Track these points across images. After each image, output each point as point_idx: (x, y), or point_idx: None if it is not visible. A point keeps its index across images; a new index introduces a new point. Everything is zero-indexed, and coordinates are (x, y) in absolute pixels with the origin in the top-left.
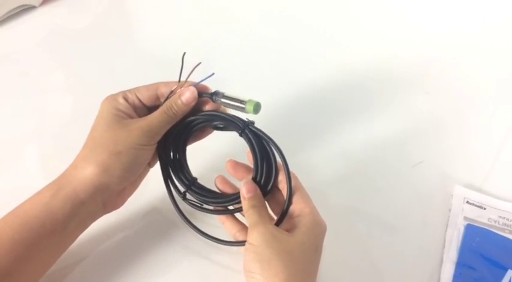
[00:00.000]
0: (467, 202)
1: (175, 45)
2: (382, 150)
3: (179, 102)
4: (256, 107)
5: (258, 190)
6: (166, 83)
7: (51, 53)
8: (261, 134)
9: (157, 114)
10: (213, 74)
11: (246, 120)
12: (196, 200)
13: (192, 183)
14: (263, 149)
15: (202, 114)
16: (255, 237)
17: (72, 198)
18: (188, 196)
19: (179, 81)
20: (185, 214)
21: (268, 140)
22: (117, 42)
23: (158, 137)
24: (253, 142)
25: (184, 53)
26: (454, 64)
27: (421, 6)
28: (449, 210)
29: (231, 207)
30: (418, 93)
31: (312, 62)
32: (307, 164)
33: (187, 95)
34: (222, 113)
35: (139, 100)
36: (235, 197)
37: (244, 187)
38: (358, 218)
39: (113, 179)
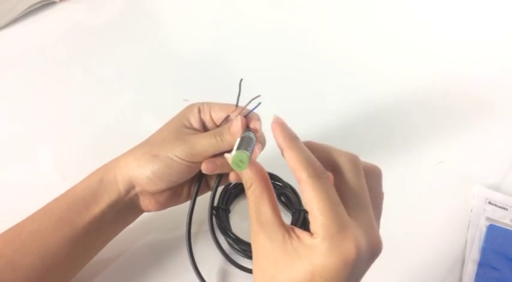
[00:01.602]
0: (489, 203)
1: (195, 43)
2: (402, 150)
3: (227, 131)
4: (236, 161)
5: (265, 172)
6: (237, 108)
7: (70, 49)
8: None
9: (205, 135)
10: (259, 103)
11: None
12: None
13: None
14: None
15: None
16: (252, 247)
17: (112, 186)
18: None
19: (236, 105)
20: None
21: None
22: (137, 39)
23: (199, 158)
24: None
25: (242, 80)
26: (474, 64)
27: (441, 13)
28: (471, 210)
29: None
30: (437, 93)
31: (333, 75)
32: None
33: (234, 126)
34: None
35: (211, 117)
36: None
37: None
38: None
39: (143, 177)
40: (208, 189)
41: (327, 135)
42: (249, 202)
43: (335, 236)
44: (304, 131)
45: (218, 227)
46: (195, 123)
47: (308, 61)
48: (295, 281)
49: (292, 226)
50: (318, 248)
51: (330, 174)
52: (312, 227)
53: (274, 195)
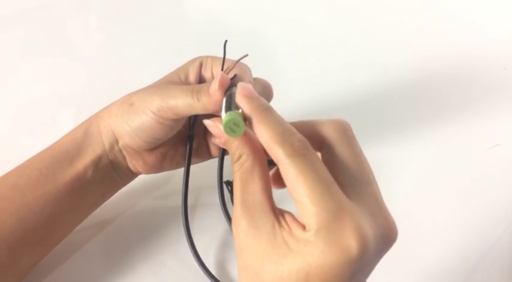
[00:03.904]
0: None
1: (221, 5)
2: (454, 131)
3: (205, 90)
4: (228, 125)
5: (258, 141)
6: (241, 69)
7: (87, 7)
8: None
9: (182, 89)
10: (246, 55)
11: None
12: None
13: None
14: None
15: None
16: (234, 233)
17: (96, 138)
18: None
19: (222, 69)
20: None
21: None
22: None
23: (170, 114)
24: None
25: (226, 41)
26: None
27: None
28: None
29: None
30: (495, 69)
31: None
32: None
33: (212, 86)
34: None
35: (212, 72)
36: None
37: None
38: (426, 206)
39: (122, 129)
40: (210, 156)
41: (366, 110)
42: (234, 177)
43: (331, 227)
44: (339, 104)
45: (232, 203)
46: (192, 79)
47: (347, 27)
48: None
49: (285, 211)
50: (312, 243)
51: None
52: (302, 217)
53: (268, 171)
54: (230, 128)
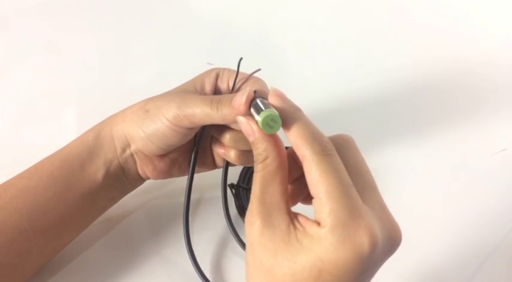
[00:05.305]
0: None
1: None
2: (460, 135)
3: (227, 102)
4: (266, 121)
5: (284, 149)
6: (258, 83)
7: (92, 5)
8: None
9: (201, 99)
10: (259, 69)
11: None
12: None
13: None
14: None
15: None
16: (246, 230)
17: (108, 142)
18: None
19: (233, 87)
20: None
21: None
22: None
23: (186, 122)
24: None
25: (241, 59)
26: None
27: None
28: None
29: None
30: (501, 72)
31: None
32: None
33: (237, 100)
34: None
35: (228, 84)
36: None
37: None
38: (430, 210)
39: (136, 134)
40: (214, 166)
41: (370, 114)
42: (255, 176)
43: (346, 225)
44: (343, 106)
45: (237, 208)
46: (208, 89)
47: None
48: (299, 278)
49: (297, 213)
50: (326, 239)
51: None
52: (318, 214)
53: (287, 178)
54: (268, 124)
